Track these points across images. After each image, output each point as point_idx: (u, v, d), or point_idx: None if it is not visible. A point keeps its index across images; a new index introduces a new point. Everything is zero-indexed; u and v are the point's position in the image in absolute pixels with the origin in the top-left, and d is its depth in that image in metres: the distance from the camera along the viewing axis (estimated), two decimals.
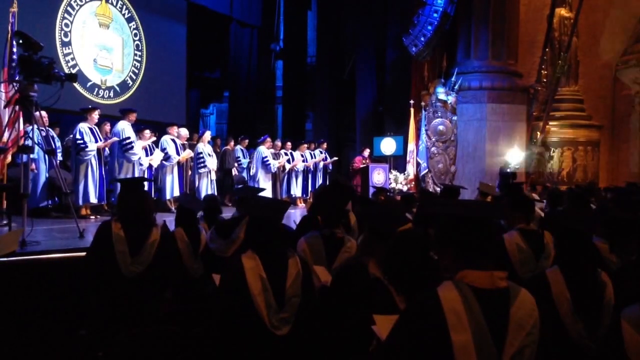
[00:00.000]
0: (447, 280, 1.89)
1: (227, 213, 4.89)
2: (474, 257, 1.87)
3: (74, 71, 11.75)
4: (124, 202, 4.09)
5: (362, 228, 3.25)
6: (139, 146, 9.57)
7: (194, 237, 4.54)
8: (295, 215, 9.56)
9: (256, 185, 12.42)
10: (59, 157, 8.55)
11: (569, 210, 3.37)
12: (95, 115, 9.06)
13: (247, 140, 13.69)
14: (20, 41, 5.96)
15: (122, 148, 9.28)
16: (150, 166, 10.28)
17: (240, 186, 10.18)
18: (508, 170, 13.55)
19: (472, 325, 1.77)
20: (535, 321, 1.83)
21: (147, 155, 10.04)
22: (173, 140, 10.63)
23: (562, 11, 15.08)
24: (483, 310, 1.79)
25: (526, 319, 1.82)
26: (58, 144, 9.26)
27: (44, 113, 7.43)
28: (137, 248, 3.85)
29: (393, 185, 14.76)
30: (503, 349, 1.77)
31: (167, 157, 10.38)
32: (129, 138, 9.30)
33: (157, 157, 10.23)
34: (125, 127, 9.35)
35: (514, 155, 14.31)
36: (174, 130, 10.88)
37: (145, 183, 5.07)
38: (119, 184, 9.03)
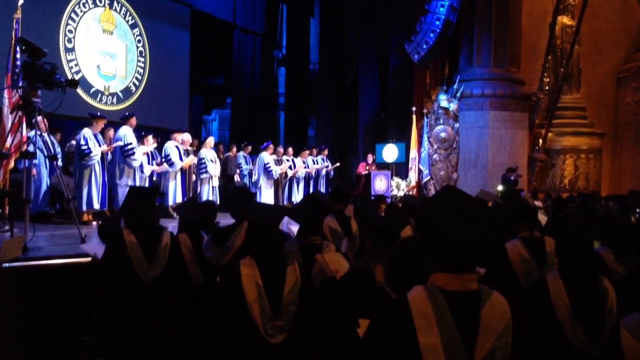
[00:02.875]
0: (417, 285, 1.87)
1: (230, 220, 4.86)
2: (443, 260, 1.84)
3: (77, 77, 11.80)
4: (133, 208, 4.10)
5: (365, 235, 3.24)
6: (140, 152, 9.57)
7: (197, 244, 4.54)
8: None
9: (258, 192, 12.44)
10: (59, 162, 8.55)
11: (572, 217, 3.36)
12: (101, 125, 9.08)
13: (250, 147, 13.69)
14: (23, 48, 5.99)
15: (124, 154, 9.28)
16: (151, 173, 10.30)
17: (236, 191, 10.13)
18: (511, 177, 13.54)
19: (441, 328, 1.75)
20: (507, 324, 1.81)
21: (149, 162, 10.04)
22: (177, 147, 10.63)
23: (565, 19, 15.13)
24: (453, 313, 1.77)
25: (497, 322, 1.80)
26: (58, 149, 9.28)
27: (44, 119, 7.44)
28: (151, 252, 3.90)
29: (395, 192, 14.76)
30: (474, 351, 1.76)
31: (170, 163, 10.39)
32: (130, 144, 9.31)
33: (162, 167, 10.30)
34: (127, 133, 9.36)
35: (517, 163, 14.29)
36: (179, 137, 10.89)
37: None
38: (120, 191, 9.15)
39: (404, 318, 1.78)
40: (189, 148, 11.16)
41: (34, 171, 7.90)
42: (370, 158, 15.15)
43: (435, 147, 15.16)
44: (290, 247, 3.82)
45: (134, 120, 9.65)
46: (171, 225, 5.52)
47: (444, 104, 14.96)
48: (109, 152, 9.17)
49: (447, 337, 1.74)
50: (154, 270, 3.89)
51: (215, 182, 11.62)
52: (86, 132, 8.73)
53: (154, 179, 10.60)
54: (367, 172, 14.54)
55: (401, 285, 2.61)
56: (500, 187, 13.40)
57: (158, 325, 3.59)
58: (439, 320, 1.76)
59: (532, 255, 4.03)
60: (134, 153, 9.32)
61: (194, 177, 11.18)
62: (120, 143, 9.24)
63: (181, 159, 10.59)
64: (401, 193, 14.69)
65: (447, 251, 1.83)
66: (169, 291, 3.96)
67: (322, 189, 14.23)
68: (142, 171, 9.82)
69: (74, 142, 9.56)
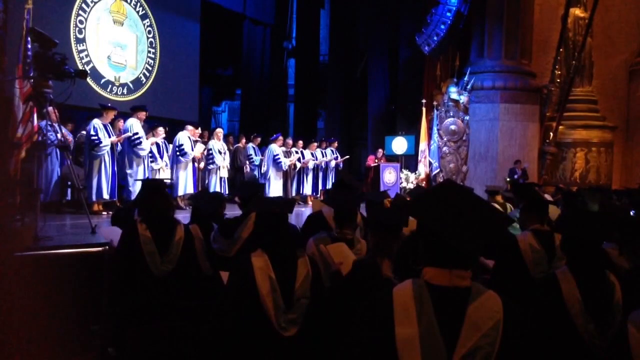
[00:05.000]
0: (408, 279, 1.86)
1: (238, 211, 4.86)
2: (433, 255, 1.82)
3: (88, 68, 11.84)
4: (148, 202, 4.11)
5: (369, 227, 3.21)
6: (147, 142, 9.62)
7: (207, 235, 4.56)
8: (306, 214, 9.55)
9: (267, 184, 12.46)
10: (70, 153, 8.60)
11: (581, 214, 3.34)
12: (112, 115, 9.12)
13: (259, 138, 13.70)
14: (34, 38, 6.01)
15: (131, 143, 9.32)
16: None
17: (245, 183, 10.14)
18: (517, 170, 13.48)
19: (420, 320, 1.73)
20: (495, 324, 1.76)
21: (159, 151, 10.09)
22: (189, 137, 10.68)
23: (577, 11, 14.98)
24: (436, 307, 1.74)
25: (484, 320, 1.75)
26: (70, 138, 9.33)
27: (54, 109, 7.47)
28: (164, 247, 3.92)
29: (404, 184, 14.74)
30: (454, 348, 1.72)
31: (183, 153, 10.44)
32: (137, 133, 9.34)
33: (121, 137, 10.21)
34: (134, 123, 9.39)
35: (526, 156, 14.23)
36: (193, 130, 10.96)
37: (167, 181, 5.08)
38: (130, 181, 9.19)
39: (384, 308, 1.78)
40: (198, 139, 11.21)
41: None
42: (380, 152, 15.12)
43: (445, 139, 15.10)
44: (320, 241, 3.77)
45: (143, 114, 9.66)
46: (181, 216, 5.54)
47: (454, 96, 14.88)
48: (119, 143, 9.21)
49: (426, 330, 1.72)
50: (166, 266, 3.90)
51: (224, 173, 11.65)
52: (96, 122, 8.76)
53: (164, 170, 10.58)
54: (376, 164, 14.52)
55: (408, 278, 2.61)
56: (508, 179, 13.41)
57: (169, 317, 3.61)
58: (419, 312, 1.74)
59: (542, 246, 4.02)
60: (140, 142, 9.35)
61: (202, 164, 11.18)
62: (129, 134, 9.28)
63: (193, 149, 10.65)
64: (410, 185, 14.66)
65: (435, 244, 1.82)
66: (181, 285, 3.98)
67: (331, 182, 14.22)
68: (156, 162, 9.89)
69: (84, 132, 9.61)
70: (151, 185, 4.39)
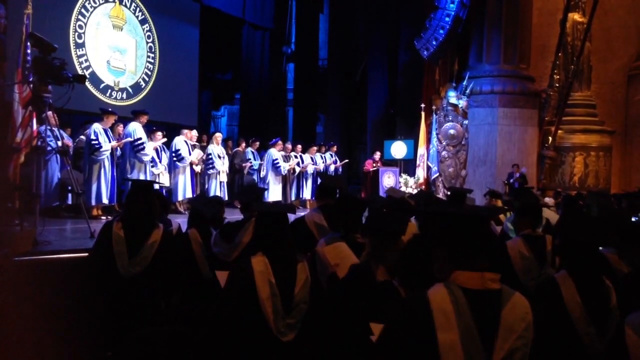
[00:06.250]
0: (438, 283, 1.88)
1: (238, 216, 4.85)
2: (465, 258, 1.85)
3: (87, 72, 11.85)
4: (132, 202, 4.07)
5: (367, 232, 3.18)
6: (150, 147, 9.62)
7: (206, 239, 4.54)
8: None
9: (266, 188, 12.45)
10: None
11: (580, 218, 3.32)
12: (112, 120, 9.12)
13: (257, 142, 13.69)
14: (34, 43, 6.02)
15: (134, 149, 9.31)
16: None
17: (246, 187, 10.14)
18: (517, 174, 13.49)
19: (460, 325, 1.75)
20: (527, 325, 1.81)
21: (158, 156, 10.08)
22: (185, 142, 10.68)
23: (575, 16, 15.01)
24: (472, 311, 1.77)
25: (518, 322, 1.80)
26: (70, 143, 9.33)
27: (54, 113, 7.47)
28: (136, 249, 3.85)
29: (403, 188, 14.74)
30: (492, 351, 1.76)
31: (180, 158, 10.44)
32: (140, 139, 9.34)
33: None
34: (136, 128, 9.39)
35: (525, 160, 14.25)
36: (188, 133, 10.96)
37: (156, 185, 5.04)
38: (129, 185, 9.18)
39: (423, 314, 1.79)
40: (196, 143, 11.21)
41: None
42: (377, 155, 15.12)
43: (444, 143, 15.11)
44: (330, 240, 3.71)
45: (144, 118, 9.67)
46: (180, 220, 5.53)
47: (453, 100, 14.90)
48: (118, 148, 9.20)
49: (466, 335, 1.75)
50: (134, 267, 3.83)
51: (223, 177, 11.65)
52: (96, 127, 8.76)
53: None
54: (375, 168, 14.52)
55: (410, 281, 2.61)
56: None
57: (141, 321, 3.57)
58: (458, 318, 1.76)
59: (532, 252, 4.00)
60: (144, 148, 9.36)
61: (197, 168, 11.12)
62: (129, 139, 9.27)
63: (190, 154, 10.65)
64: (409, 190, 14.65)
65: (467, 248, 1.84)
66: (153, 289, 3.93)
67: None
68: (156, 167, 9.88)
69: (83, 137, 9.61)
70: (137, 185, 4.35)
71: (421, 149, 15.28)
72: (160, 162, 10.17)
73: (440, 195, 13.74)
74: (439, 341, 1.75)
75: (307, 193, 13.78)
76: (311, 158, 14.01)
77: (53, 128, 6.87)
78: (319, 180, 14.10)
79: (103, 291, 3.85)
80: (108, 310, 3.78)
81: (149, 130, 10.09)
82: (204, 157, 11.31)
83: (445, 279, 1.88)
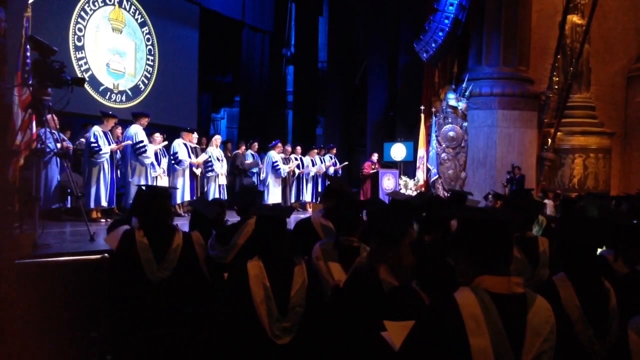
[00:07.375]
0: (463, 286, 1.89)
1: (236, 218, 4.85)
2: (491, 262, 1.87)
3: (86, 75, 11.86)
4: (150, 209, 4.10)
5: (369, 234, 3.18)
6: (151, 150, 9.62)
7: (207, 241, 4.55)
8: None
9: (266, 190, 12.45)
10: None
11: (579, 220, 3.31)
12: (112, 123, 9.13)
13: (256, 144, 13.68)
14: (33, 46, 6.03)
15: (136, 152, 9.31)
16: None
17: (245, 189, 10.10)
18: (516, 176, 13.50)
19: (490, 330, 1.77)
20: (552, 327, 1.84)
21: (157, 158, 10.06)
22: (184, 145, 10.67)
23: (574, 18, 15.02)
24: (500, 316, 1.80)
25: (543, 325, 1.83)
26: (70, 145, 9.33)
27: (54, 116, 7.48)
28: (161, 254, 3.92)
29: (403, 190, 14.73)
30: (521, 354, 1.78)
31: (178, 161, 10.42)
32: (142, 142, 9.34)
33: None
34: (138, 131, 9.39)
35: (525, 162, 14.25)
36: (189, 136, 10.95)
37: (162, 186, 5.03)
38: (132, 189, 9.17)
39: (454, 320, 1.81)
40: (197, 146, 11.20)
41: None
42: (375, 157, 15.11)
43: (443, 146, 15.10)
44: (325, 246, 3.72)
45: (145, 120, 9.66)
46: (180, 223, 5.54)
47: (452, 102, 14.89)
48: (118, 151, 9.20)
49: (497, 340, 1.77)
50: (162, 272, 3.90)
51: (222, 180, 11.63)
52: (96, 129, 8.77)
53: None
54: (374, 170, 14.52)
55: (431, 286, 2.61)
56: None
57: (167, 324, 3.60)
58: (489, 323, 1.78)
59: (524, 254, 3.99)
60: (145, 150, 9.35)
61: (197, 171, 11.09)
62: (129, 142, 9.27)
63: (189, 157, 10.63)
64: (409, 192, 14.64)
65: (492, 253, 1.86)
66: (178, 292, 3.97)
67: None
68: (154, 169, 9.87)
69: (83, 140, 9.60)
70: (150, 192, 4.39)
71: (421, 151, 15.28)
72: (159, 164, 10.16)
73: None
74: (471, 347, 1.77)
75: (307, 195, 13.78)
76: (311, 160, 14.02)
77: (53, 131, 6.87)
78: (320, 183, 14.12)
79: (128, 298, 3.86)
80: (132, 315, 3.79)
81: (148, 133, 10.09)
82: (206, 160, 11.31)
83: (468, 282, 1.89)
